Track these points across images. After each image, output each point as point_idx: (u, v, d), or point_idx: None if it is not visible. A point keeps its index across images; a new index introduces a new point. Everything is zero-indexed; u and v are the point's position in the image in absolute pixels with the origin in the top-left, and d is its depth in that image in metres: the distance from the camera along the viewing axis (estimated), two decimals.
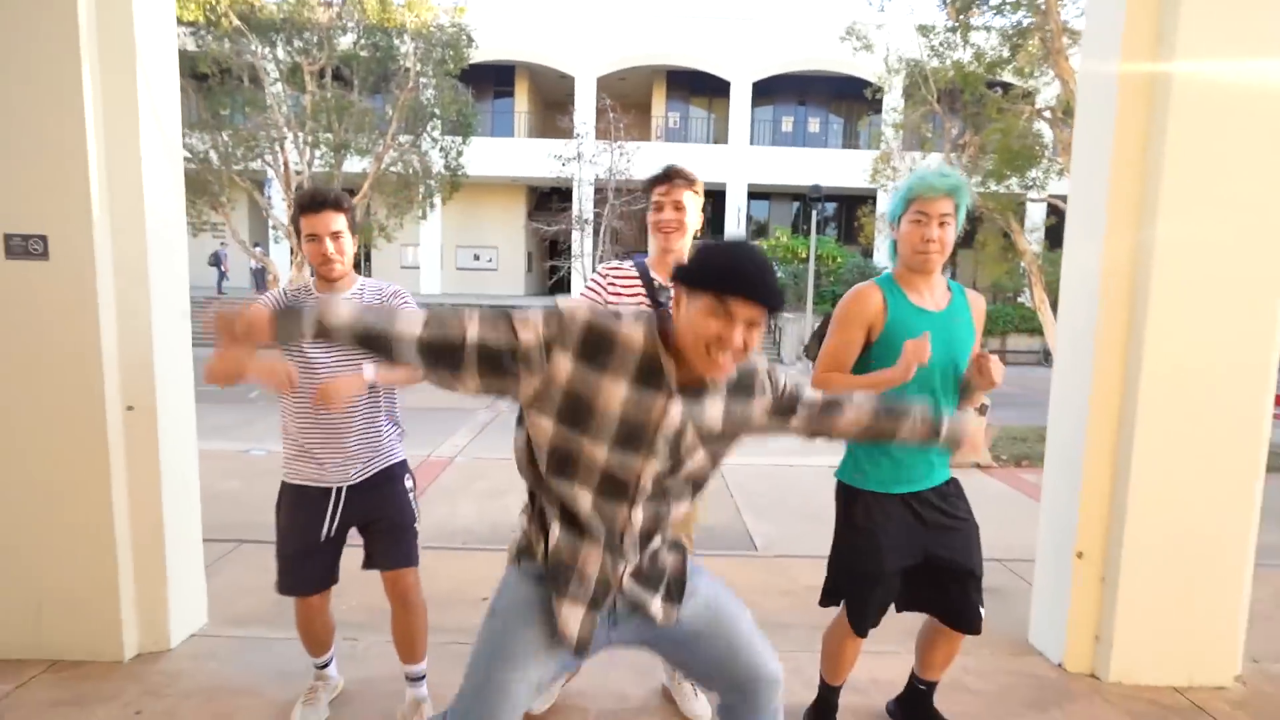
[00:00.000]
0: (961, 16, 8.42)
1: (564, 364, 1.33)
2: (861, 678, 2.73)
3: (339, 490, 2.23)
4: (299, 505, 2.24)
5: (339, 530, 2.26)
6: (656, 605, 1.53)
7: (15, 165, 2.49)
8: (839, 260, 20.75)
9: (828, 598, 2.23)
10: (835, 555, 2.21)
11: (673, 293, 1.39)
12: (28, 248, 2.51)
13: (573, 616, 1.44)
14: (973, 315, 2.13)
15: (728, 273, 1.32)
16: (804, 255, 19.75)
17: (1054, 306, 11.82)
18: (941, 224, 1.97)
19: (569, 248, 20.04)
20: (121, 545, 2.67)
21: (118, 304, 2.61)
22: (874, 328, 2.03)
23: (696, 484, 1.51)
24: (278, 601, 3.22)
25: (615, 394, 1.35)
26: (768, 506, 5.41)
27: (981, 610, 2.15)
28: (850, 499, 2.14)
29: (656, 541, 1.53)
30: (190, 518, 2.93)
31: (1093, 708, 2.60)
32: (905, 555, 2.09)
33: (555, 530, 1.45)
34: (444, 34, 13.19)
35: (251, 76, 12.68)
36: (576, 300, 1.44)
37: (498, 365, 1.32)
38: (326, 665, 2.52)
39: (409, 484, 2.36)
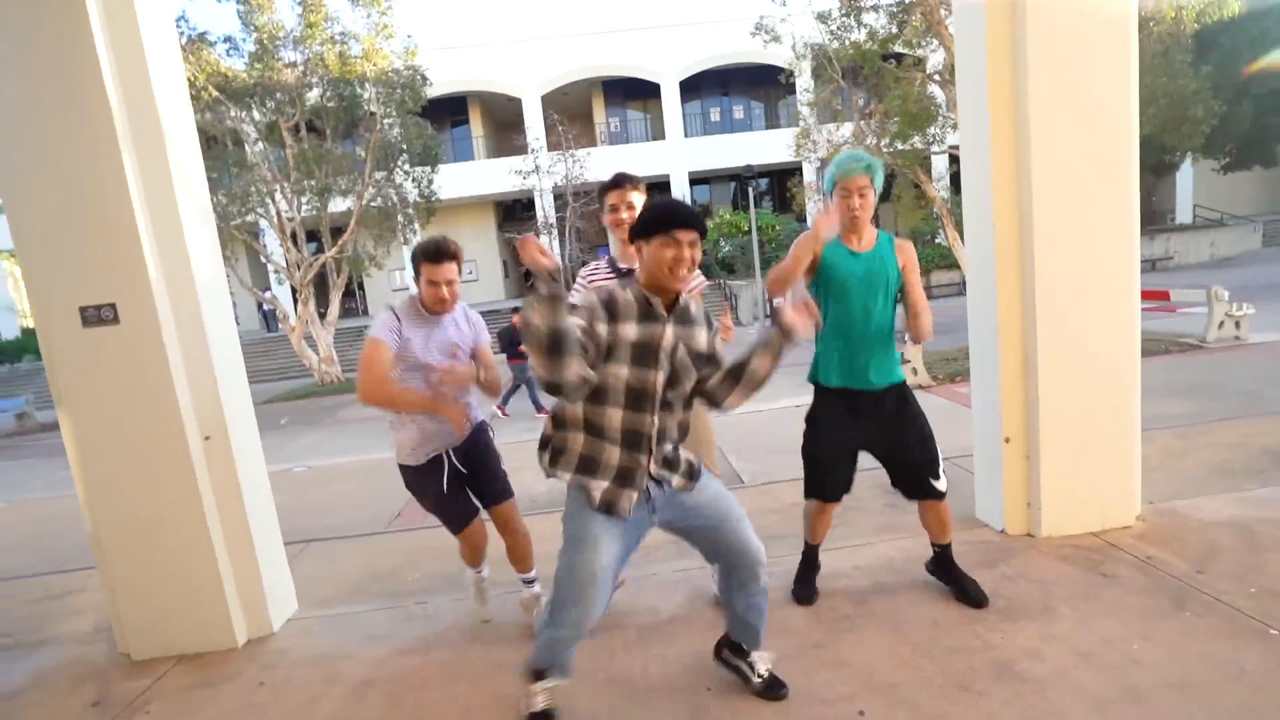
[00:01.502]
0: (853, 2, 8.57)
1: (601, 329, 1.75)
2: (844, 565, 2.98)
3: (448, 453, 2.55)
4: (426, 473, 2.54)
5: (460, 476, 2.58)
6: (678, 479, 1.92)
7: (81, 245, 2.57)
8: (778, 229, 20.98)
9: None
10: (803, 444, 2.60)
11: (635, 248, 1.82)
12: (100, 315, 2.61)
13: (600, 488, 1.83)
14: (899, 257, 2.47)
15: (666, 216, 1.76)
16: (746, 228, 19.95)
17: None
18: (861, 194, 2.38)
19: None
20: (219, 551, 2.81)
21: (183, 352, 2.72)
22: (815, 256, 2.43)
23: (687, 398, 1.89)
24: (352, 583, 3.43)
25: (629, 331, 1.78)
26: (746, 447, 5.64)
27: (934, 483, 2.50)
28: (814, 395, 2.55)
29: (668, 444, 1.89)
30: (270, 522, 3.07)
31: (1032, 559, 2.87)
32: (847, 442, 2.49)
33: (580, 441, 1.85)
34: (401, 76, 13.05)
35: (234, 140, 12.47)
36: (584, 295, 1.82)
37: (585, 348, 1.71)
38: (483, 570, 2.84)
39: (493, 434, 2.72)
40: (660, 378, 1.80)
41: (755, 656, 2.18)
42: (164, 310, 2.66)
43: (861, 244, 2.47)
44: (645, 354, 1.78)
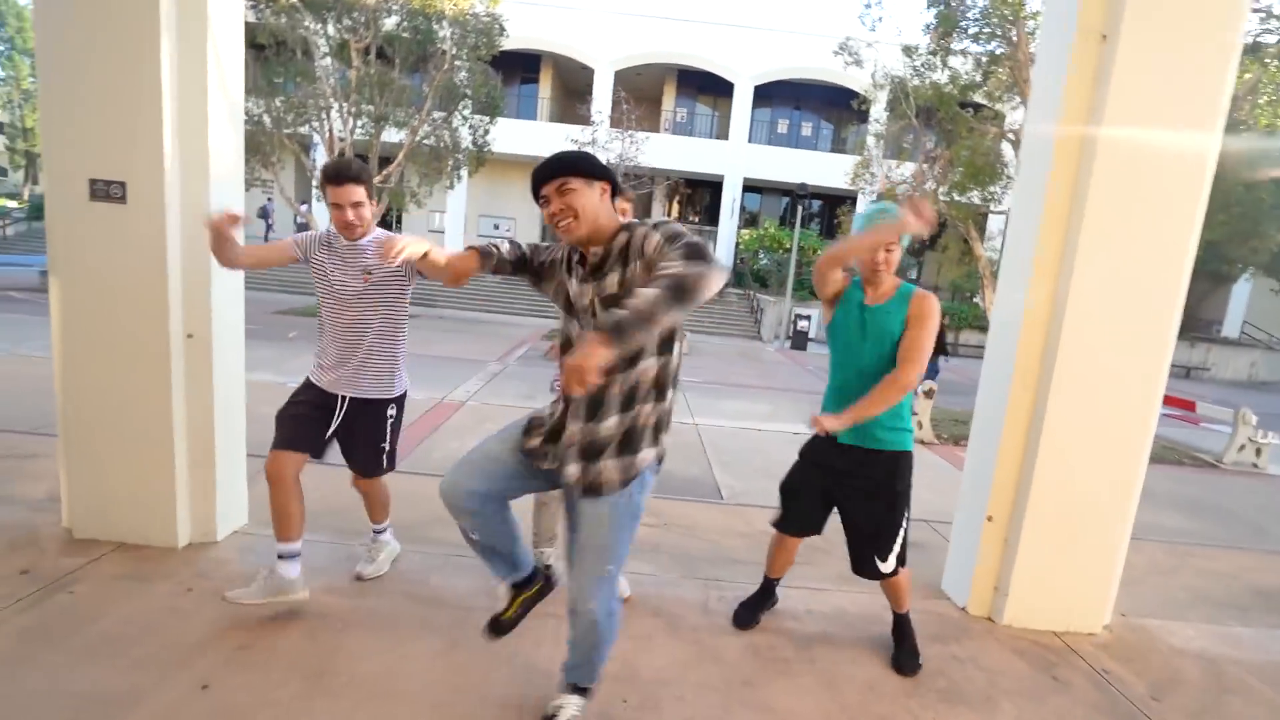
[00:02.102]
0: (942, 41, 8.34)
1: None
2: (798, 607, 2.90)
3: (342, 399, 2.48)
4: (310, 388, 2.50)
5: (330, 428, 2.49)
6: (572, 467, 1.74)
7: (98, 118, 2.54)
8: (818, 253, 20.69)
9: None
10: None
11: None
12: (109, 192, 2.57)
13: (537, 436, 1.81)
14: (909, 309, 2.30)
15: (534, 178, 1.69)
16: (788, 246, 19.71)
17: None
18: (888, 249, 2.30)
19: None
20: (179, 451, 2.79)
21: (183, 245, 2.69)
22: (835, 293, 2.42)
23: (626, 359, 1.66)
24: (310, 512, 3.39)
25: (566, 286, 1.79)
26: (734, 463, 5.55)
27: (880, 565, 2.39)
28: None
29: (601, 414, 1.70)
30: (236, 433, 3.04)
31: (985, 644, 2.76)
32: (817, 482, 2.44)
33: None
34: (479, 22, 12.98)
35: (304, 50, 12.50)
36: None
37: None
38: (291, 556, 2.41)
39: (392, 413, 2.58)
40: (577, 330, 1.75)
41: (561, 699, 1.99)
42: (172, 200, 2.62)
43: (876, 296, 2.36)
44: (569, 309, 1.79)
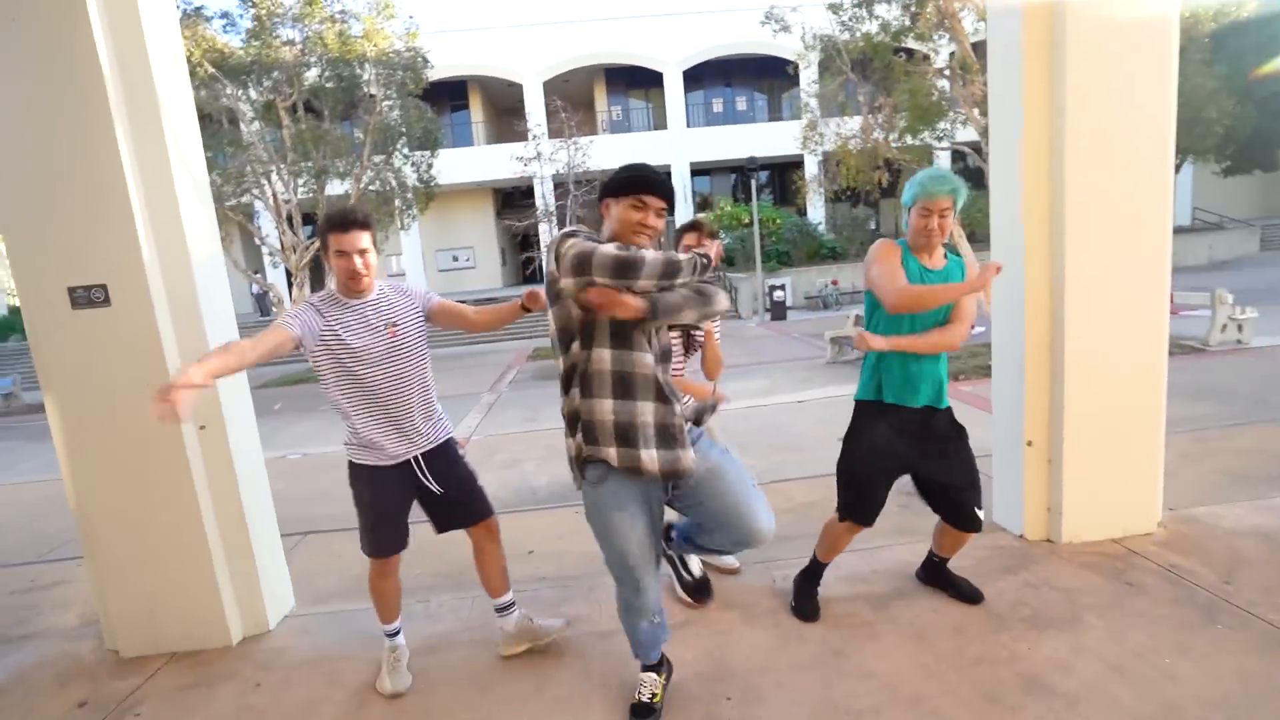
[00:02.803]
0: None
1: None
2: (862, 569, 2.90)
3: (417, 462, 2.26)
4: (377, 477, 2.24)
5: (422, 492, 2.30)
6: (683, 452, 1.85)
7: (71, 222, 2.44)
8: (778, 222, 20.82)
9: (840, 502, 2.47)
10: (838, 465, 2.45)
11: (603, 206, 1.84)
12: (91, 297, 2.48)
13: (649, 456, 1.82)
14: (966, 270, 2.36)
15: (641, 179, 1.78)
16: (747, 221, 19.79)
17: (970, 239, 12.07)
18: (941, 216, 2.24)
19: (539, 240, 19.82)
20: (214, 545, 2.70)
21: (177, 336, 2.60)
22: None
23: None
24: (352, 578, 3.32)
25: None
26: (750, 444, 5.54)
27: (978, 513, 2.39)
28: (855, 411, 2.42)
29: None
30: (267, 515, 2.96)
31: (1053, 565, 2.79)
32: (891, 461, 2.34)
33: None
34: (402, 58, 12.83)
35: (230, 118, 12.24)
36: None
37: None
38: (397, 634, 2.45)
39: (461, 450, 2.42)
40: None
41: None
42: (158, 292, 2.53)
43: (933, 261, 2.34)
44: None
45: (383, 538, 2.29)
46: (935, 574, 2.67)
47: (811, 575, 2.66)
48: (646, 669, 2.12)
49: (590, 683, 2.29)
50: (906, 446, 2.34)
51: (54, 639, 2.97)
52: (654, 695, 2.07)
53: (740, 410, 6.94)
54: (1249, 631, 2.25)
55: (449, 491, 2.31)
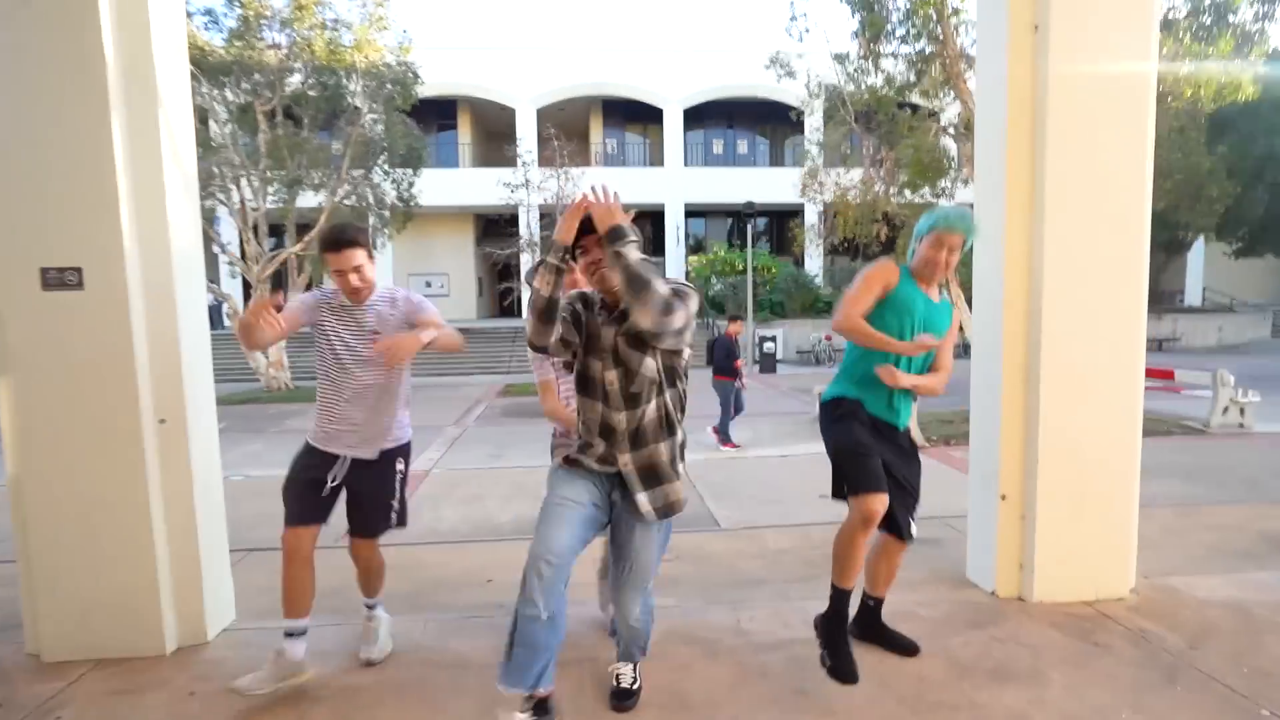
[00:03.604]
0: (872, 46, 9.04)
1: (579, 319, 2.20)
2: None
3: (346, 460, 2.61)
4: (311, 454, 2.62)
5: (333, 490, 2.61)
6: (643, 498, 2.15)
7: (50, 203, 2.62)
8: (773, 270, 21.46)
9: (836, 488, 2.61)
10: (831, 446, 2.62)
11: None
12: (64, 279, 2.64)
13: (592, 459, 2.17)
14: (951, 320, 2.68)
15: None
16: (741, 268, 20.36)
17: (969, 303, 12.51)
18: (952, 251, 2.53)
19: (519, 270, 20.16)
20: (159, 548, 2.80)
21: (149, 328, 2.76)
22: (886, 288, 2.56)
23: (652, 384, 2.11)
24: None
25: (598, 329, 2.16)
26: (726, 493, 5.71)
27: (913, 524, 2.66)
28: (832, 406, 2.64)
29: (642, 442, 2.14)
30: (218, 522, 3.07)
31: (1021, 622, 2.98)
32: (874, 442, 2.56)
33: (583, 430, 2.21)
34: (392, 72, 13.30)
35: (201, 118, 12.53)
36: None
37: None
38: (293, 635, 2.53)
39: (401, 466, 2.71)
40: (611, 374, 2.11)
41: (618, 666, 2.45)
42: (134, 281, 2.71)
43: (931, 294, 2.61)
44: (593, 345, 2.15)
45: (291, 499, 2.58)
46: (871, 626, 2.81)
47: (838, 616, 2.63)
48: (530, 708, 2.10)
49: None
50: (881, 443, 2.58)
51: None
52: None
53: (721, 460, 7.13)
54: (1208, 695, 2.44)
55: (352, 497, 2.65)
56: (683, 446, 2.23)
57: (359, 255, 2.49)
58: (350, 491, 2.64)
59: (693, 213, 25.20)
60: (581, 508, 2.11)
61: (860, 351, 2.61)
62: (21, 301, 2.65)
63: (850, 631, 2.80)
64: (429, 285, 25.13)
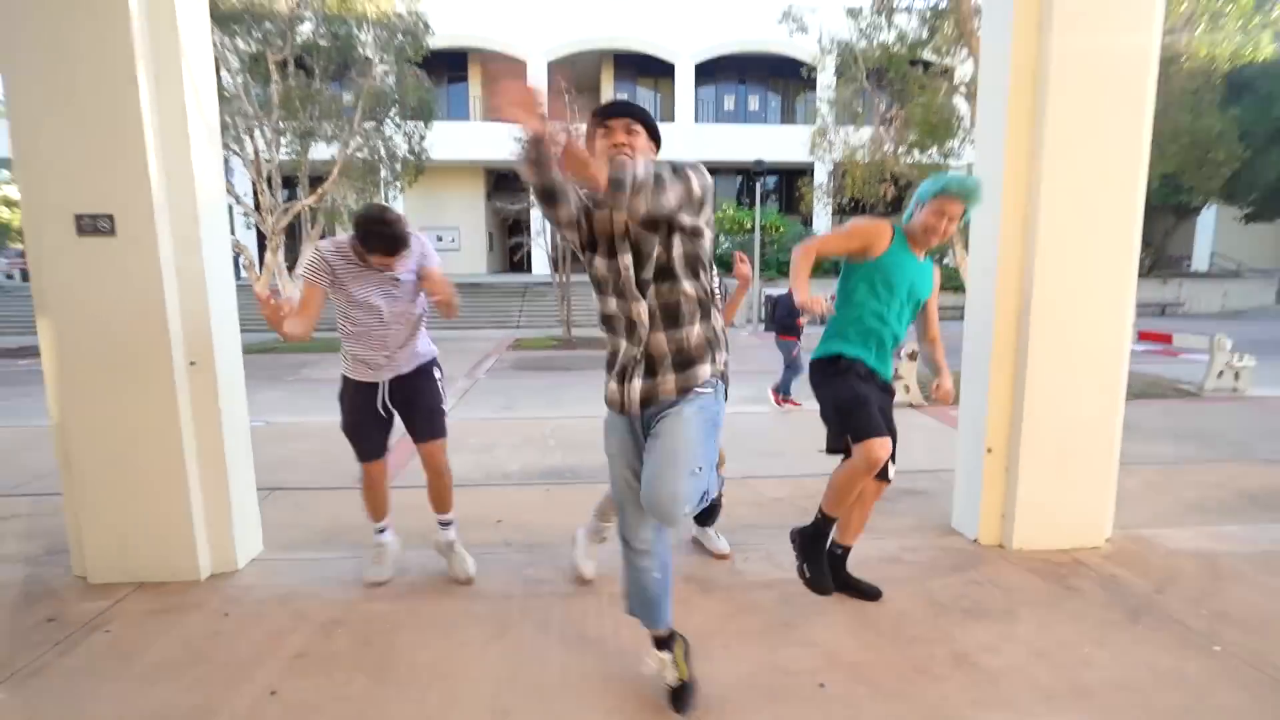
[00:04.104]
0: (885, 1, 8.84)
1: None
2: (869, 554, 3.20)
3: (386, 383, 2.85)
4: (359, 391, 2.84)
5: (388, 411, 2.88)
6: (669, 379, 1.94)
7: (82, 152, 2.70)
8: (782, 230, 21.32)
9: (832, 442, 2.73)
10: (831, 402, 2.67)
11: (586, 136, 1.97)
12: (97, 225, 2.74)
13: (613, 389, 2.02)
14: (934, 280, 2.78)
15: (603, 107, 1.94)
16: (749, 226, 20.24)
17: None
18: (951, 220, 2.58)
19: (529, 225, 20.10)
20: (192, 482, 2.96)
21: (177, 273, 2.87)
22: (872, 249, 2.62)
23: (668, 272, 1.89)
24: (319, 531, 3.59)
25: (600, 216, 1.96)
26: (729, 445, 5.75)
27: (892, 465, 2.67)
28: (826, 364, 2.71)
29: (672, 334, 1.92)
30: (246, 459, 3.22)
31: (1001, 568, 3.12)
32: (870, 390, 2.65)
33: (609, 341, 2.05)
34: (403, 22, 13.08)
35: (214, 67, 12.43)
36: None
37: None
38: (384, 530, 3.06)
39: (438, 374, 2.97)
40: (626, 260, 1.90)
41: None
42: (163, 228, 2.80)
43: (918, 254, 2.69)
44: (605, 241, 1.94)
45: (356, 440, 2.89)
46: (837, 573, 2.86)
47: (818, 534, 2.75)
48: (656, 645, 2.18)
49: (549, 636, 2.57)
50: (875, 394, 2.65)
51: (18, 565, 3.21)
52: (679, 676, 2.13)
53: (728, 416, 7.24)
54: (1167, 633, 2.58)
55: (406, 413, 2.90)
56: (718, 341, 2.01)
57: (405, 258, 2.68)
58: (403, 407, 2.88)
59: None
60: (636, 471, 2.00)
61: (854, 312, 2.68)
62: (57, 247, 2.76)
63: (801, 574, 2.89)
64: (440, 239, 25.08)
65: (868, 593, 2.85)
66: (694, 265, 1.92)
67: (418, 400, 2.89)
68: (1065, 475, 3.24)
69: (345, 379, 2.86)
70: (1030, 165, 3.11)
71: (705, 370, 1.96)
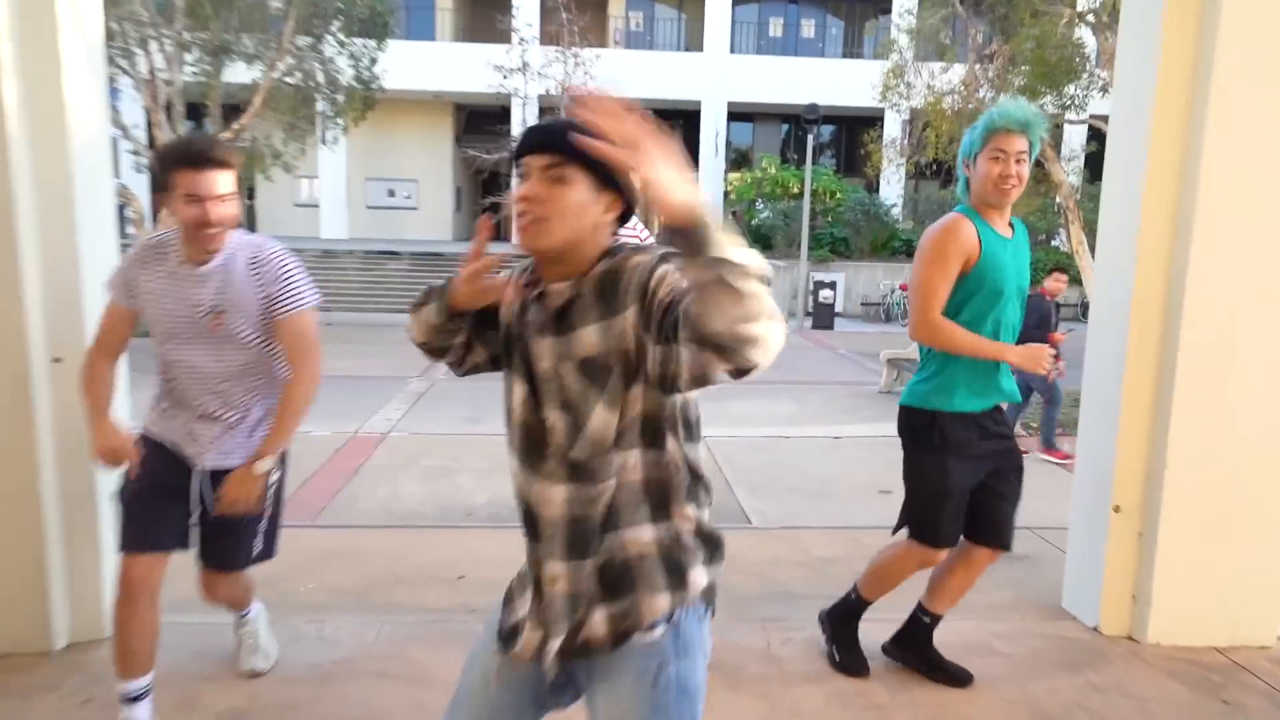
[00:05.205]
0: None
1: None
2: (878, 638, 3.11)
3: (207, 473, 2.46)
4: (156, 450, 2.44)
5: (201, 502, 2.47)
6: (598, 615, 1.43)
7: None
8: (838, 196, 21.20)
9: (904, 519, 2.79)
10: (916, 486, 2.74)
11: None
12: None
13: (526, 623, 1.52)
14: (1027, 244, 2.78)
15: (518, 142, 1.44)
16: (797, 190, 20.14)
17: (1094, 247, 12.21)
18: (1016, 159, 2.52)
19: (509, 180, 20.05)
20: (50, 519, 2.88)
21: (42, 241, 2.80)
22: (970, 259, 2.56)
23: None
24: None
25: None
26: (761, 483, 5.78)
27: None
28: (921, 423, 2.67)
29: (603, 542, 1.43)
30: None
31: (1130, 670, 3.03)
32: (973, 473, 2.67)
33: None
34: None
35: None
36: None
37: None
38: (137, 699, 2.44)
39: (276, 476, 2.52)
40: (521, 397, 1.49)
41: None
42: (21, 179, 2.72)
43: (1003, 228, 2.65)
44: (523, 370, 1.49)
45: (136, 515, 2.40)
46: (916, 644, 2.90)
47: (850, 615, 2.94)
48: None
49: None
50: (988, 450, 2.70)
51: None
52: None
53: (753, 438, 7.18)
54: None
55: (212, 521, 2.47)
56: (696, 539, 1.49)
57: (228, 180, 2.27)
58: (204, 517, 2.50)
59: (737, 115, 24.79)
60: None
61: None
62: None
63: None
64: (392, 194, 25.10)
65: (957, 677, 2.85)
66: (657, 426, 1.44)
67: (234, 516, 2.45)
68: (1223, 545, 3.15)
69: (144, 434, 2.47)
70: (1188, 122, 3.02)
71: (701, 578, 1.51)
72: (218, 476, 2.42)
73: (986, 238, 2.58)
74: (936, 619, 2.89)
